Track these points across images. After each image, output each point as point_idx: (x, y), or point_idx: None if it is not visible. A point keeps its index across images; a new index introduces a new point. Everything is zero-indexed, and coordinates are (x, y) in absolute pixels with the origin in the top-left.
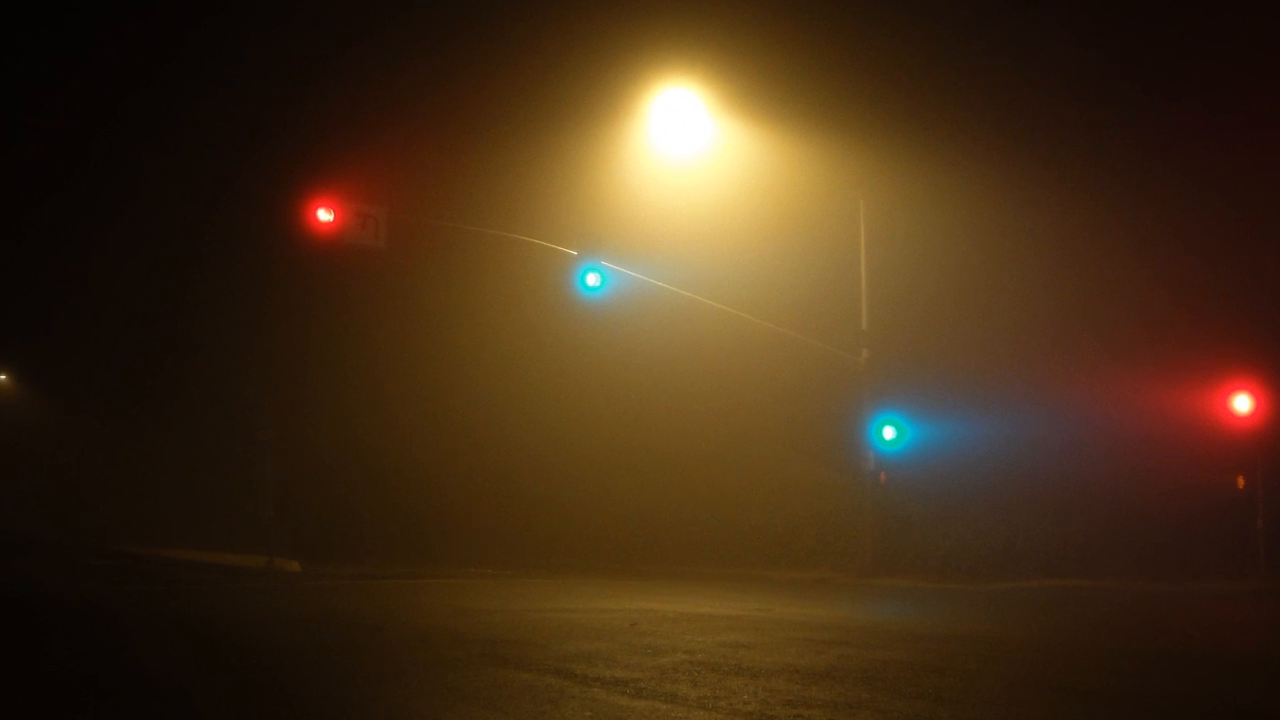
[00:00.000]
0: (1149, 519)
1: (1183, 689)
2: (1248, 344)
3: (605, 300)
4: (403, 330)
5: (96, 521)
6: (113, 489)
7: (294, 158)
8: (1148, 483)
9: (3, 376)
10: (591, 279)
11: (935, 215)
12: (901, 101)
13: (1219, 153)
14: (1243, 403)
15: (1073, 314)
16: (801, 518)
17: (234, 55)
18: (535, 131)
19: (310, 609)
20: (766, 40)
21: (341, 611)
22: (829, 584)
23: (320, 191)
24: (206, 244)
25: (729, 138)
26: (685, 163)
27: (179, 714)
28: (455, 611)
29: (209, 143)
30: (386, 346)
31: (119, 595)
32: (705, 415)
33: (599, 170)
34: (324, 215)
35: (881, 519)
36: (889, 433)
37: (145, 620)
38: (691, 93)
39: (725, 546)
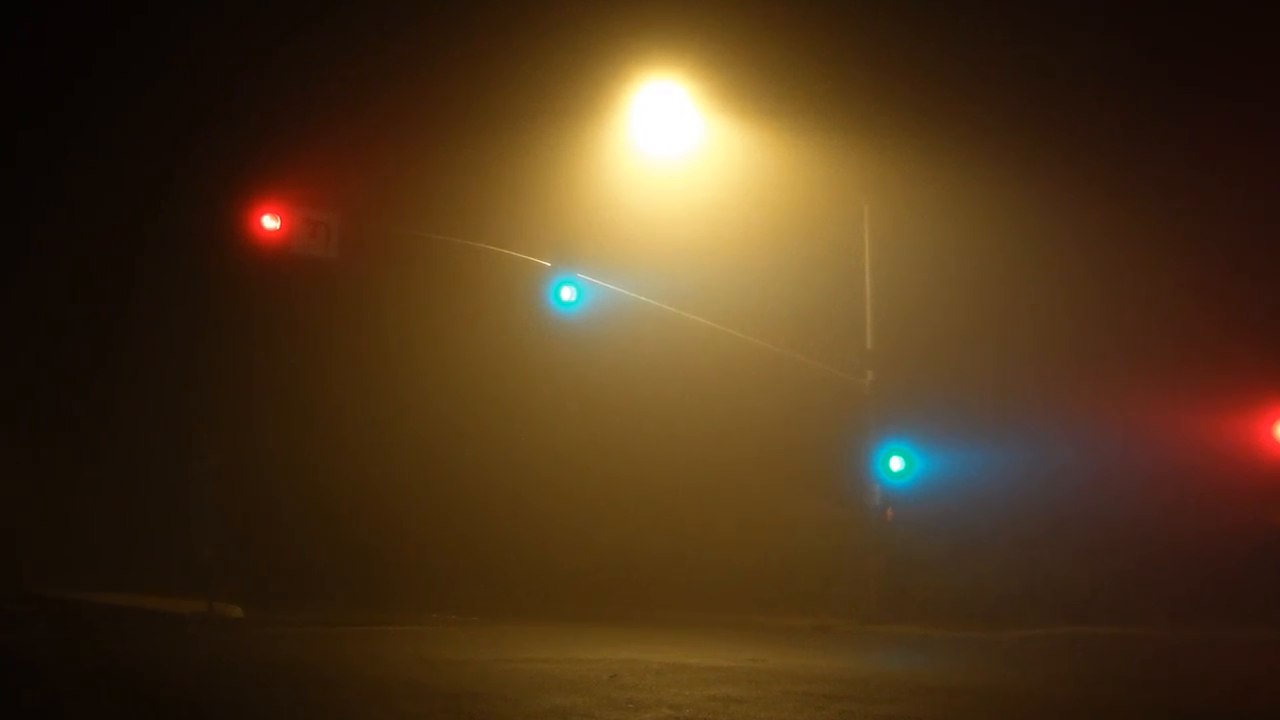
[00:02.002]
0: (1186, 559)
1: None
2: None
3: (582, 316)
4: (358, 349)
5: (14, 560)
6: (33, 523)
7: (236, 159)
8: (1184, 519)
9: None
10: (567, 293)
11: (948, 222)
12: (910, 96)
13: (1262, 154)
14: None
15: (1101, 332)
16: (799, 558)
17: (169, 45)
18: (505, 130)
19: (255, 659)
20: (761, 29)
21: (290, 662)
22: (830, 631)
23: (265, 196)
24: (140, 254)
25: (719, 137)
26: (671, 164)
27: None
28: (416, 661)
29: (141, 142)
30: (340, 367)
31: (41, 644)
32: (693, 443)
33: (575, 173)
34: (269, 222)
35: (888, 559)
36: (897, 463)
37: (71, 672)
38: (677, 87)
39: (715, 589)
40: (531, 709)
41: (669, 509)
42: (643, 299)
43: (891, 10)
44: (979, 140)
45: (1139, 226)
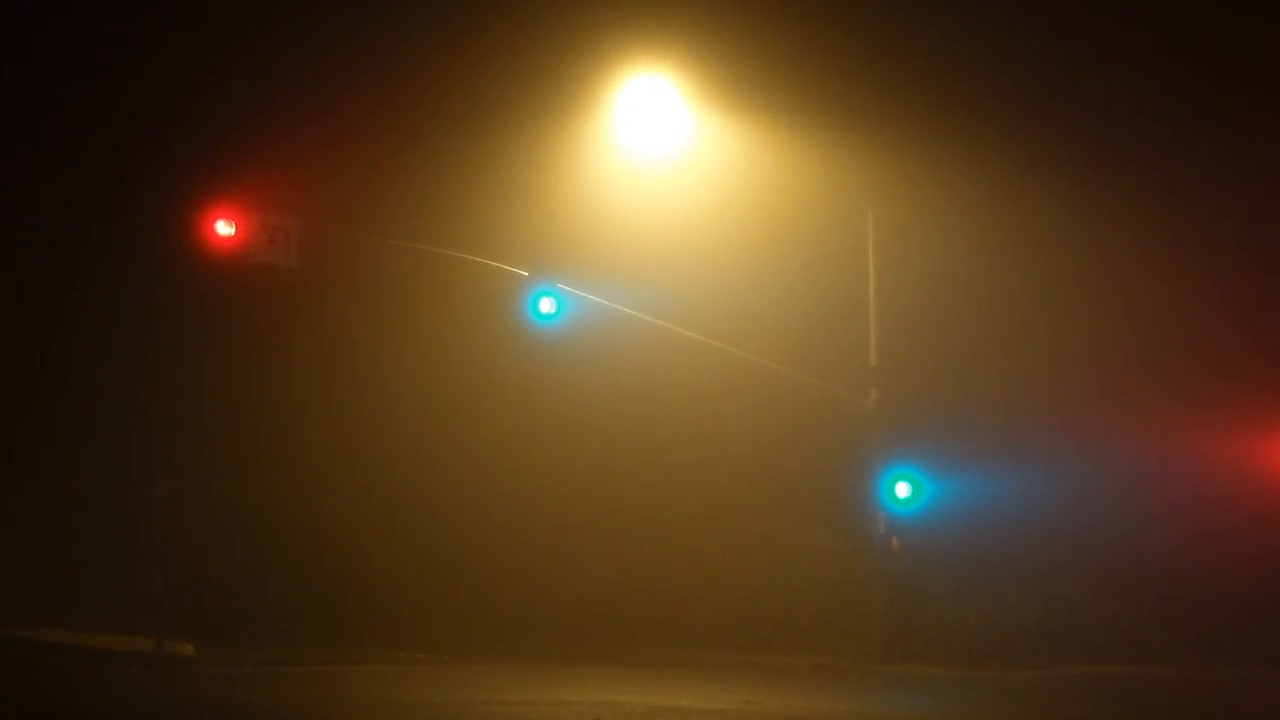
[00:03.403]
0: (1216, 592)
1: None
2: None
3: (562, 330)
4: (320, 366)
5: None
6: None
7: (188, 159)
8: (1214, 549)
9: None
10: (546, 304)
11: (959, 227)
12: (918, 91)
13: None
14: None
15: (1125, 346)
16: (798, 591)
17: (114, 36)
18: (479, 129)
19: (208, 702)
20: (755, 17)
21: (246, 705)
22: (831, 671)
23: (220, 200)
24: (83, 262)
25: (710, 135)
26: (658, 165)
27: None
28: (382, 704)
29: (82, 140)
30: (301, 385)
31: None
32: (682, 467)
33: (555, 175)
34: (224, 228)
35: (894, 593)
36: (903, 489)
37: (9, 716)
38: (665, 81)
39: (706, 625)
40: None
41: (656, 538)
42: (628, 311)
43: None
44: (992, 139)
45: (1168, 231)
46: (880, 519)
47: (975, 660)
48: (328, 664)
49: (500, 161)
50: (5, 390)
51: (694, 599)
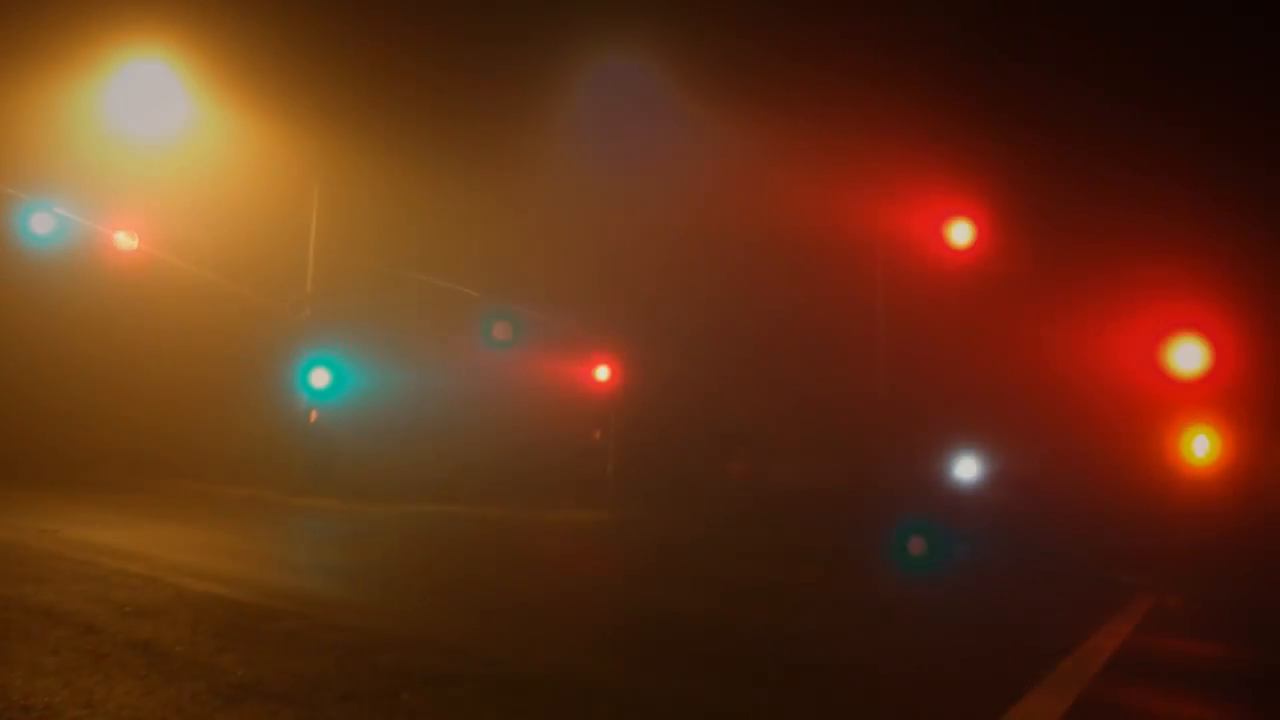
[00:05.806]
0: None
1: None
2: None
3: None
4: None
5: None
6: None
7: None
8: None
9: None
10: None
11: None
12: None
13: None
14: None
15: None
16: (242, 448)
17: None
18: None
19: None
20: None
21: None
22: (260, 501)
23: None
24: None
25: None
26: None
27: None
28: None
29: None
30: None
31: None
32: (158, 372)
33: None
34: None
35: (312, 449)
36: (321, 378)
37: None
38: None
39: (182, 463)
40: None
41: (153, 413)
42: (86, 223)
43: None
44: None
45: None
46: (303, 401)
47: (368, 499)
48: None
49: None
50: None
51: (175, 452)
